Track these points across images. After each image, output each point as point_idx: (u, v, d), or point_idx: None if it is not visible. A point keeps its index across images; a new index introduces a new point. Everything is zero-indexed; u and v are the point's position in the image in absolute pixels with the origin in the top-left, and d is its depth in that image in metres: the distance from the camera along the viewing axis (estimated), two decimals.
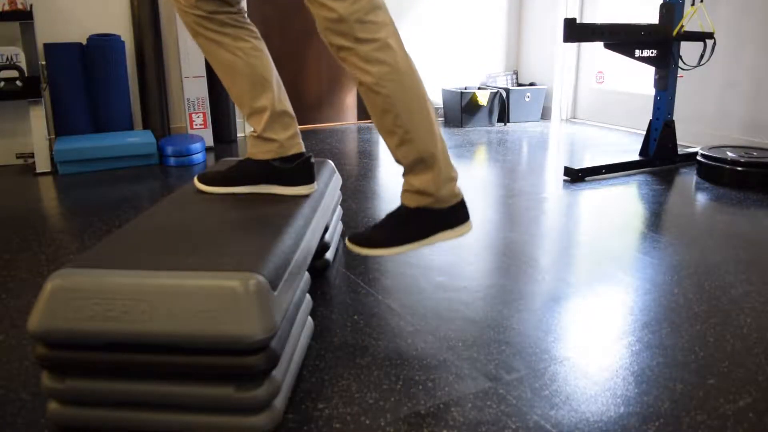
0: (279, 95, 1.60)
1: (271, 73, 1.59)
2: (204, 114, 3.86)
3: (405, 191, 1.51)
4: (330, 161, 2.14)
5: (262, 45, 1.59)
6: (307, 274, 1.50)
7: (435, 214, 1.51)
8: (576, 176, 3.12)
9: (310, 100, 4.60)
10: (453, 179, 1.51)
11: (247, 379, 1.14)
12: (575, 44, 4.84)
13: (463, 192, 1.54)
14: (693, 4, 3.14)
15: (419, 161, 1.46)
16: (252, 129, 1.63)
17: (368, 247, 1.53)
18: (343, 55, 1.39)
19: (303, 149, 1.66)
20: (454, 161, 3.48)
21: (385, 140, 1.48)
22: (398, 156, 1.48)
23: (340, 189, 2.86)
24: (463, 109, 4.59)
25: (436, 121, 1.48)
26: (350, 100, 4.79)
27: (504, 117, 4.80)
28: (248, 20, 1.58)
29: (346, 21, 1.35)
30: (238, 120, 4.28)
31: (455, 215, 1.54)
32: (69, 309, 1.10)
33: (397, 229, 1.52)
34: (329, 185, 1.93)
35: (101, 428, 1.19)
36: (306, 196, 1.65)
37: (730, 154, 3.03)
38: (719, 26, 3.63)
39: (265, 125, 1.59)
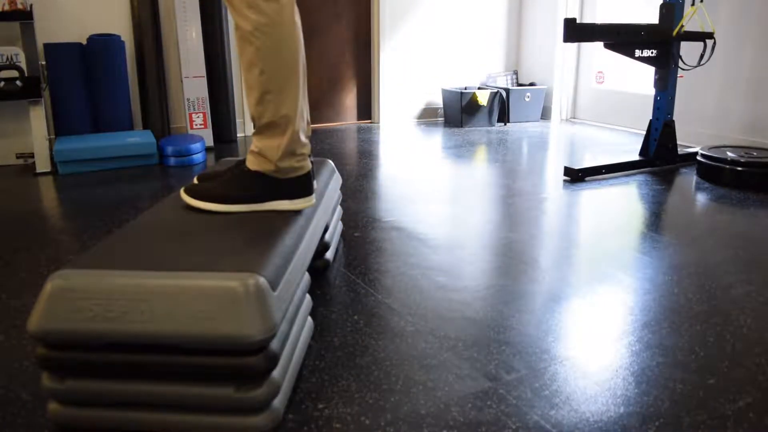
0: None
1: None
2: (204, 114, 3.86)
3: (250, 151, 1.51)
4: (330, 161, 2.13)
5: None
6: (307, 274, 1.50)
7: (272, 182, 1.50)
8: (576, 176, 3.12)
9: (310, 100, 4.60)
10: (299, 155, 1.50)
11: (247, 379, 1.14)
12: (575, 44, 4.84)
13: (310, 167, 1.53)
14: (693, 4, 3.14)
15: (271, 125, 1.45)
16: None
17: (203, 200, 1.52)
18: None
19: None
20: (454, 161, 3.49)
21: (245, 94, 1.46)
22: (254, 113, 1.46)
23: (340, 189, 2.86)
24: (463, 109, 4.59)
25: (303, 93, 1.47)
26: (350, 100, 4.79)
27: (504, 117, 4.80)
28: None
29: None
30: (238, 120, 4.28)
31: (294, 188, 1.53)
32: (69, 309, 1.10)
33: (233, 188, 1.51)
34: (329, 185, 1.93)
35: (101, 428, 1.19)
36: None
37: (730, 154, 3.03)
38: (719, 26, 3.62)
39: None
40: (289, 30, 1.41)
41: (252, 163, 1.50)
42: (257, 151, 1.48)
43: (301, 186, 1.54)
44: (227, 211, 1.50)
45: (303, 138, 1.50)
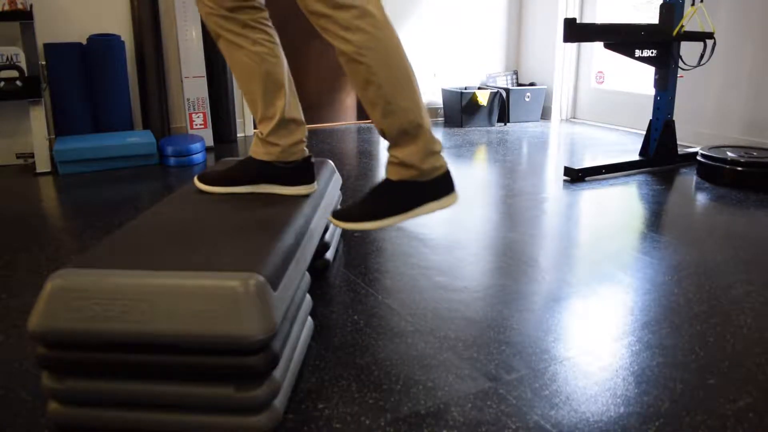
0: (291, 102, 1.59)
1: (285, 80, 1.58)
2: (204, 114, 3.86)
3: (389, 163, 1.50)
4: (330, 161, 2.13)
5: (280, 51, 1.58)
6: (307, 274, 1.50)
7: (419, 187, 1.50)
8: (576, 176, 3.12)
9: (310, 100, 4.60)
10: (436, 152, 1.50)
11: (247, 379, 1.14)
12: (575, 44, 4.84)
13: (448, 163, 1.54)
14: (693, 4, 3.15)
15: (403, 133, 1.44)
16: (258, 130, 1.62)
17: (353, 221, 1.52)
18: (323, 23, 1.37)
19: (306, 155, 1.65)
20: (454, 161, 3.49)
21: (368, 112, 1.46)
22: (382, 127, 1.46)
23: (340, 189, 2.86)
24: (463, 109, 4.59)
25: (420, 92, 1.46)
26: (350, 100, 4.79)
27: (504, 117, 4.80)
28: (270, 24, 1.57)
29: None
30: (238, 120, 4.28)
31: (439, 187, 1.52)
32: (69, 309, 1.10)
33: (382, 203, 1.51)
34: (329, 185, 1.93)
35: (101, 428, 1.19)
36: (306, 196, 1.65)
37: (730, 154, 3.03)
38: (719, 26, 3.63)
39: (270, 130, 1.59)
40: (390, 34, 1.40)
41: (395, 174, 1.50)
42: (398, 162, 1.48)
43: (446, 183, 1.53)
44: (382, 226, 1.52)
45: (434, 134, 1.50)
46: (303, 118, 1.64)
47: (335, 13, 1.35)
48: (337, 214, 1.54)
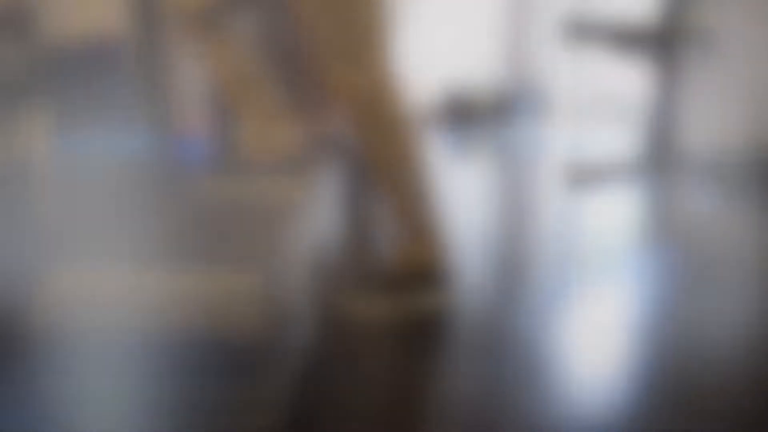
0: (271, 98, 1.60)
1: (262, 77, 1.59)
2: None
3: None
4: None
5: (250, 49, 1.59)
6: (307, 274, 1.50)
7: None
8: (576, 176, 3.12)
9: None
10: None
11: (247, 379, 1.13)
12: (575, 44, 4.83)
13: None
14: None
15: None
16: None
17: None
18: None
19: None
20: (453, 161, 3.49)
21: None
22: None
23: None
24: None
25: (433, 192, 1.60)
26: None
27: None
28: (233, 27, 1.58)
29: None
30: None
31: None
32: (69, 309, 1.10)
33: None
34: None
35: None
36: (306, 196, 1.65)
37: (727, 154, 3.02)
38: (719, 26, 3.62)
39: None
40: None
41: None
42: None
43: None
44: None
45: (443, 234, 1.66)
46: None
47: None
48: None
